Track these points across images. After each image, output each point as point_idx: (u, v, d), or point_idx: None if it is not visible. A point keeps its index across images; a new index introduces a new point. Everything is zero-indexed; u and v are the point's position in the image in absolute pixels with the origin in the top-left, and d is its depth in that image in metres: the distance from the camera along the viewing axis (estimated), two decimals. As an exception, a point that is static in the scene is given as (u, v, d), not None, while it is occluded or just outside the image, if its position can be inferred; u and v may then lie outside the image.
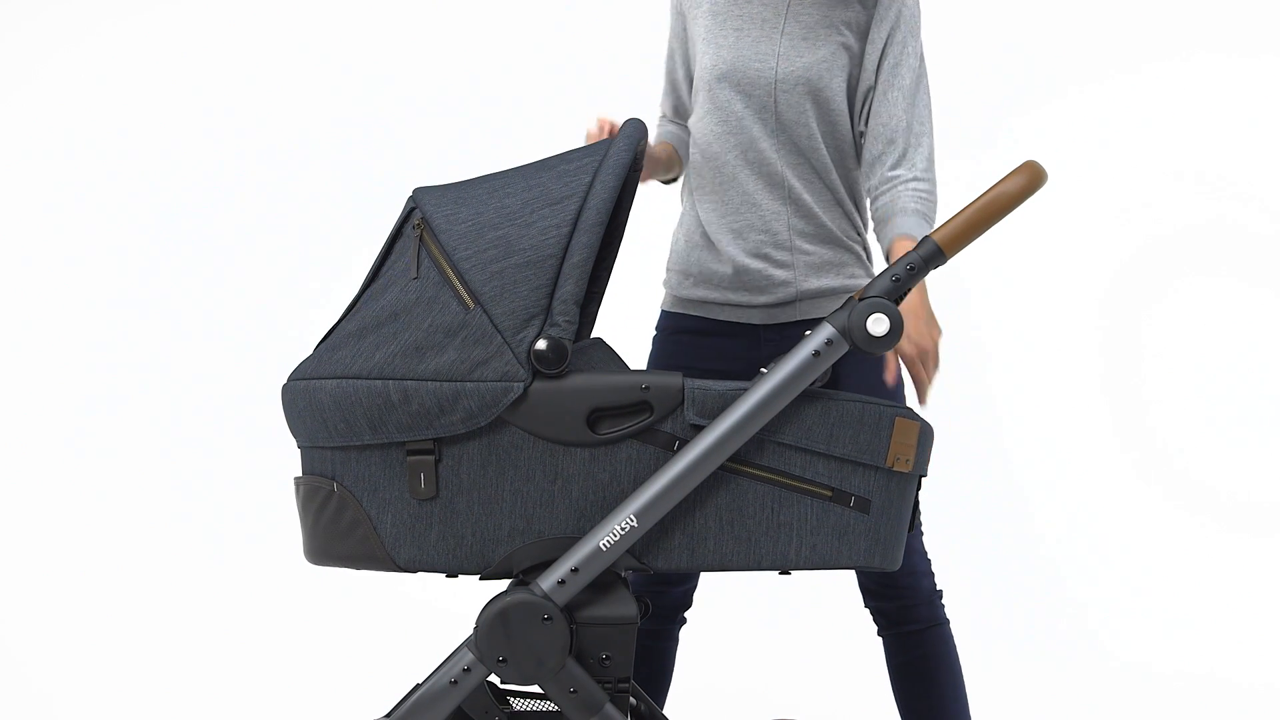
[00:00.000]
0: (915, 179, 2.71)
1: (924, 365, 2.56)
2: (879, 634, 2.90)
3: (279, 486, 2.89)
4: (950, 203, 2.75)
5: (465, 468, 2.36)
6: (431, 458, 2.36)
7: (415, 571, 2.41)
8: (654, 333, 2.95)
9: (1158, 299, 5.03)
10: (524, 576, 2.39)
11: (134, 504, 4.92)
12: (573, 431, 2.35)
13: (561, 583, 2.35)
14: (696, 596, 3.03)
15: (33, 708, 4.27)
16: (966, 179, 3.20)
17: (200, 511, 4.90)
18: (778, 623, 4.54)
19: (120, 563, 4.81)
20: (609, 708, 2.38)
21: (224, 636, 4.58)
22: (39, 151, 5.22)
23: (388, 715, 2.41)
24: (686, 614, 3.02)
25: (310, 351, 2.46)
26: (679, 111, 2.97)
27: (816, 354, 2.36)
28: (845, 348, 2.37)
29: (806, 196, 2.77)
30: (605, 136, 2.68)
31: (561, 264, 2.35)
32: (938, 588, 2.87)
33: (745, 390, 2.35)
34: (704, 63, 2.80)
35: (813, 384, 2.38)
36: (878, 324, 2.36)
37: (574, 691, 2.37)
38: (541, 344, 2.33)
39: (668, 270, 2.93)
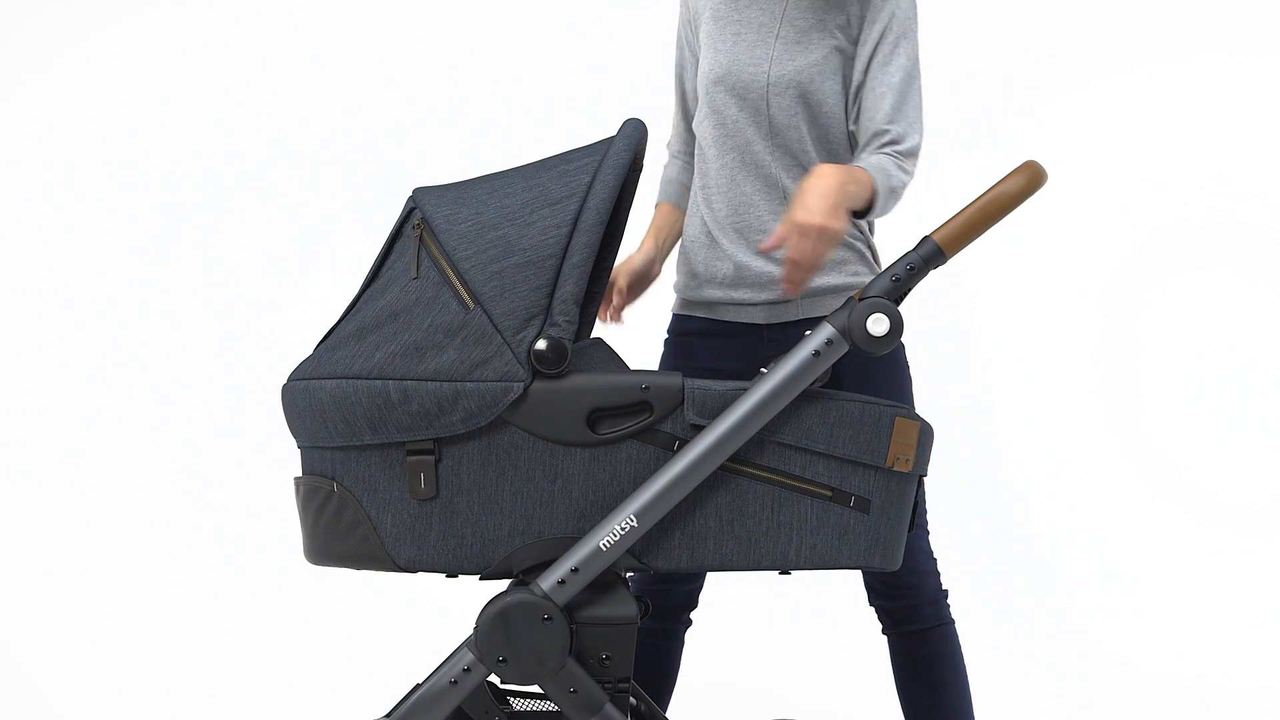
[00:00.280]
0: (900, 153, 2.67)
1: (802, 240, 2.42)
2: (883, 633, 2.90)
3: (279, 486, 2.89)
4: (950, 203, 2.75)
5: (465, 468, 2.36)
6: (431, 458, 2.36)
7: (415, 571, 2.41)
8: (665, 336, 2.96)
9: (1156, 298, 5.03)
10: (524, 576, 2.40)
11: (134, 504, 4.92)
12: (573, 431, 2.35)
13: (561, 583, 2.35)
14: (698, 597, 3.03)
15: (33, 707, 4.28)
16: (967, 179, 3.20)
17: (200, 512, 4.90)
18: (778, 623, 4.54)
19: (120, 563, 4.81)
20: (609, 708, 2.38)
21: (224, 636, 4.58)
22: (40, 151, 5.22)
23: (388, 715, 2.41)
24: (692, 615, 3.01)
25: (310, 351, 2.46)
26: (690, 126, 2.96)
27: (816, 354, 2.37)
28: (845, 348, 2.37)
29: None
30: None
31: (561, 264, 2.35)
32: (943, 588, 2.86)
33: (745, 390, 2.35)
34: (703, 67, 2.81)
35: (813, 384, 2.38)
36: (878, 324, 2.36)
37: (574, 691, 2.37)
38: (541, 344, 2.33)
39: (676, 271, 2.93)
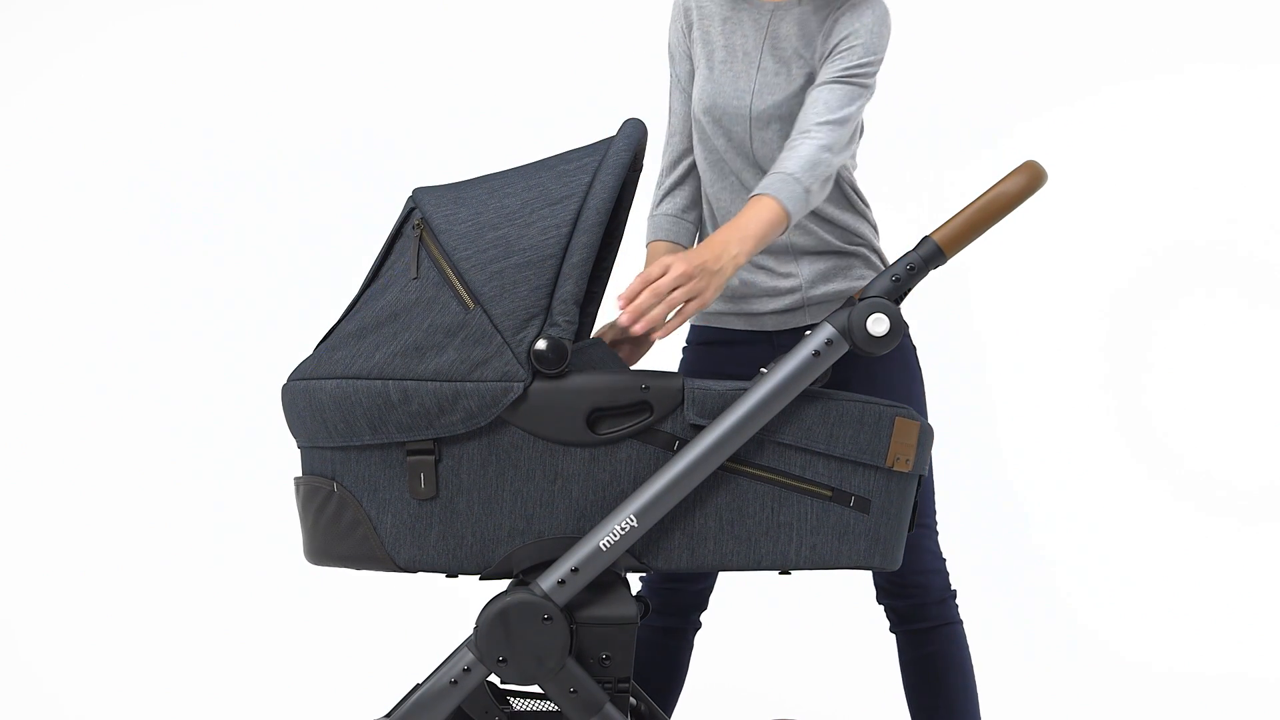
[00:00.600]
0: (822, 124, 2.57)
1: (670, 278, 2.36)
2: (890, 630, 2.89)
3: (279, 486, 2.89)
4: (950, 203, 2.75)
5: (465, 468, 2.36)
6: (431, 458, 2.36)
7: (415, 572, 2.41)
8: (683, 344, 2.96)
9: (1162, 301, 5.02)
10: (524, 576, 2.40)
11: (134, 504, 4.92)
12: (573, 431, 2.35)
13: (561, 583, 2.35)
14: (698, 597, 3.02)
15: (34, 707, 4.28)
16: (967, 179, 3.20)
17: (200, 511, 4.90)
18: (778, 623, 4.53)
19: (120, 563, 4.81)
20: (609, 708, 2.38)
21: (224, 636, 4.58)
22: (40, 152, 5.21)
23: (388, 715, 2.41)
24: (702, 617, 3.01)
25: (310, 352, 2.46)
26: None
27: (816, 354, 2.37)
28: (845, 348, 2.37)
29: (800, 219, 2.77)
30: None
31: (561, 264, 2.36)
32: (951, 588, 2.86)
33: (745, 390, 2.35)
34: (694, 94, 2.79)
35: (813, 384, 2.38)
36: (878, 324, 2.37)
37: (574, 691, 2.37)
38: (541, 344, 2.33)
39: None
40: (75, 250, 5.15)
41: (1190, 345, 4.99)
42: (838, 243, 2.78)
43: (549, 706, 2.60)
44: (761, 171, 2.72)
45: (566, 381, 2.34)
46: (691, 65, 2.81)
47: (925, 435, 2.41)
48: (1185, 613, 4.68)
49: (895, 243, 2.72)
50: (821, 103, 2.59)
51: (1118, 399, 4.98)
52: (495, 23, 5.21)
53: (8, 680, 4.40)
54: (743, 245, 2.46)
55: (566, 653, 2.36)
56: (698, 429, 2.35)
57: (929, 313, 3.23)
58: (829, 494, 2.38)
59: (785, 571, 2.42)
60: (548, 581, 2.36)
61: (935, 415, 2.75)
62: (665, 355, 2.93)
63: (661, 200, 2.85)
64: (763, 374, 2.37)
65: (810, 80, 2.68)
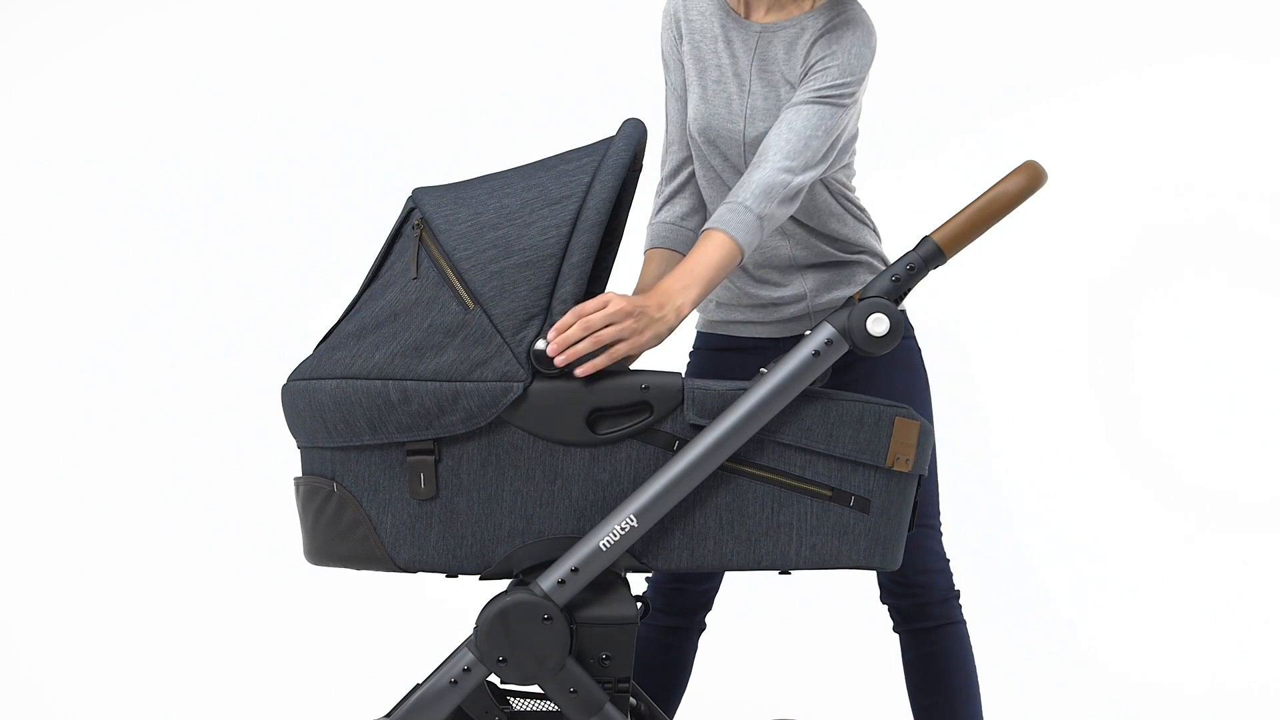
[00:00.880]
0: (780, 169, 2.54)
1: (604, 314, 2.32)
2: (894, 630, 2.90)
3: (279, 486, 2.89)
4: (950, 203, 2.75)
5: (465, 468, 2.37)
6: (431, 458, 2.36)
7: (415, 572, 2.41)
8: (689, 350, 2.96)
9: (1150, 298, 5.01)
10: (524, 576, 2.40)
11: (133, 504, 4.92)
12: (573, 431, 2.35)
13: (561, 583, 2.35)
14: (698, 597, 3.02)
15: (34, 707, 4.28)
16: (967, 179, 3.19)
17: (200, 512, 4.89)
18: (779, 623, 4.53)
19: (120, 563, 4.80)
20: (609, 708, 2.38)
21: (224, 636, 4.58)
22: (41, 152, 5.21)
23: (388, 715, 2.41)
24: (707, 618, 3.01)
25: (310, 352, 2.46)
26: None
27: (816, 354, 2.37)
28: (845, 348, 2.37)
29: (798, 231, 2.76)
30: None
31: (561, 264, 2.36)
32: (955, 588, 2.86)
33: (745, 390, 2.36)
34: (689, 113, 2.77)
35: (814, 384, 2.38)
36: (877, 324, 2.37)
37: (574, 691, 2.37)
38: (541, 344, 2.33)
39: None
40: (75, 250, 5.15)
41: (1190, 345, 4.98)
42: (839, 254, 2.79)
43: (549, 706, 2.60)
44: None
45: (566, 382, 2.35)
46: (684, 75, 2.80)
47: (925, 435, 2.41)
48: (1185, 612, 4.67)
49: (895, 243, 2.72)
50: (785, 124, 2.58)
51: (1103, 400, 4.97)
52: (495, 23, 5.21)
53: (7, 680, 4.40)
54: (687, 294, 2.43)
55: (566, 653, 2.36)
56: (698, 429, 2.36)
57: (930, 313, 3.23)
58: (829, 494, 2.39)
59: (785, 571, 2.42)
60: (548, 581, 2.36)
61: (935, 415, 2.76)
62: (670, 359, 2.93)
63: (661, 208, 2.85)
64: (762, 374, 2.38)
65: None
